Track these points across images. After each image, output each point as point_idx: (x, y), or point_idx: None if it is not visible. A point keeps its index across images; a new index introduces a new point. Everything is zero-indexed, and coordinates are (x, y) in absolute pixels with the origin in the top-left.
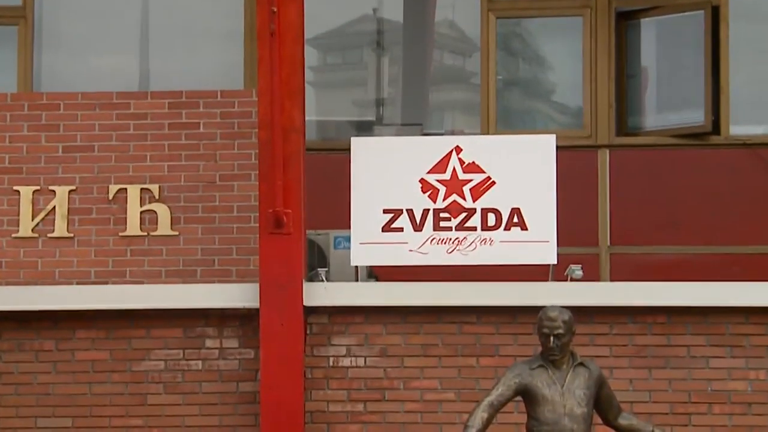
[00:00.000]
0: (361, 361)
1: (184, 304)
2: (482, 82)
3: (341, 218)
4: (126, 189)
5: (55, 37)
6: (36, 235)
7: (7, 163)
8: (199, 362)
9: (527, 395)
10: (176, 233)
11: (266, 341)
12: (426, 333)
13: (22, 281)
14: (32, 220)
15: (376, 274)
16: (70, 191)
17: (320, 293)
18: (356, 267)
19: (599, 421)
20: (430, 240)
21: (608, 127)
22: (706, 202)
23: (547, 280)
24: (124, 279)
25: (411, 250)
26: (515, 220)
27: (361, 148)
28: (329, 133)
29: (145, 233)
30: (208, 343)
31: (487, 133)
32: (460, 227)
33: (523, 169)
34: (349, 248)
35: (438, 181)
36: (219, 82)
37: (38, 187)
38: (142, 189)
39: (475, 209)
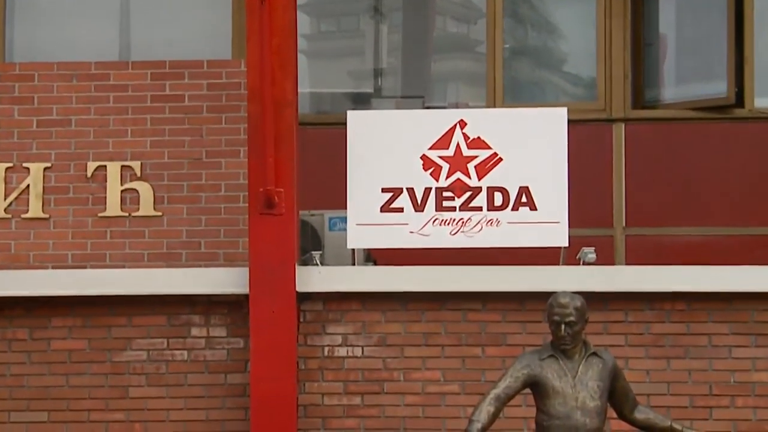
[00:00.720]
0: (358, 351)
1: (168, 290)
2: (488, 51)
3: (337, 198)
4: (105, 166)
5: (29, 4)
6: (8, 215)
7: None
8: (185, 352)
9: (536, 387)
10: (159, 214)
11: (256, 330)
12: (428, 321)
13: None
14: (4, 199)
15: (375, 257)
16: (46, 168)
17: (314, 278)
18: (353, 250)
19: (614, 414)
20: (432, 221)
21: (624, 99)
22: (730, 180)
23: (557, 264)
24: (104, 263)
25: (412, 232)
26: (524, 199)
27: (357, 122)
28: (324, 107)
29: (126, 214)
30: (194, 331)
31: (494, 106)
32: (465, 207)
33: (532, 145)
34: (345, 230)
35: (441, 157)
36: (205, 51)
37: (11, 164)
38: (122, 166)
39: (480, 188)
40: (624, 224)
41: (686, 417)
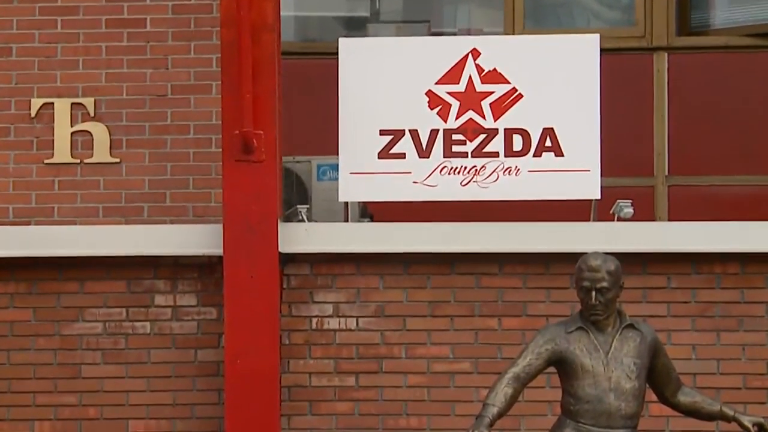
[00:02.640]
0: (351, 323)
1: (127, 251)
2: None
3: (327, 142)
4: (52, 104)
5: None
6: None
7: None
8: (147, 324)
9: (562, 365)
10: (117, 160)
11: (232, 297)
12: (434, 287)
13: None
14: None
15: (371, 212)
16: None
17: (300, 236)
18: (346, 203)
19: (653, 397)
20: (439, 169)
21: (666, 24)
22: None
23: (588, 220)
24: (51, 218)
25: (415, 182)
26: (548, 143)
27: (351, 51)
28: (311, 33)
29: (78, 160)
30: (159, 299)
31: (513, 33)
32: (478, 153)
33: (558, 79)
34: (336, 179)
35: (450, 93)
36: None
37: None
38: (73, 104)
39: (496, 130)
40: (666, 173)
41: (739, 400)
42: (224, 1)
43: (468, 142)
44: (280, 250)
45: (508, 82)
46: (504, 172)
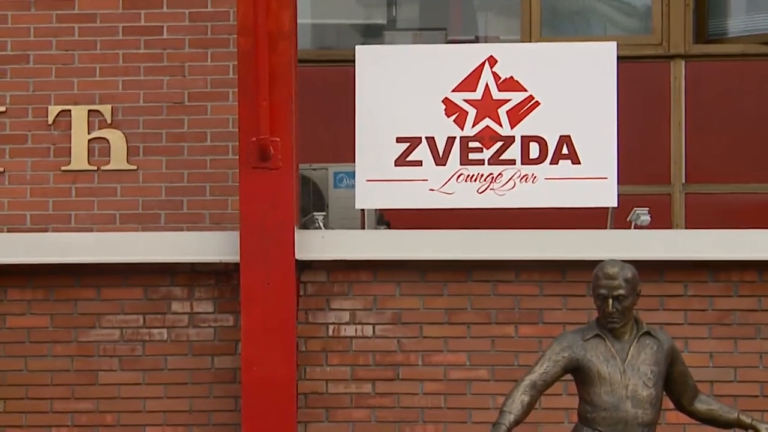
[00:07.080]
0: (368, 330)
1: (144, 258)
2: None
3: (343, 149)
4: (70, 111)
5: None
6: None
7: None
8: (164, 331)
9: (579, 373)
10: (134, 167)
11: (248, 305)
12: (451, 294)
13: None
14: None
15: (388, 219)
16: (0, 114)
17: (317, 244)
18: (362, 211)
19: (670, 405)
20: (456, 176)
21: (684, 31)
22: None
23: (605, 228)
24: (68, 225)
25: (432, 190)
26: (565, 151)
27: (368, 58)
28: (328, 41)
29: (95, 167)
30: (175, 306)
31: (529, 41)
32: (495, 160)
33: (574, 87)
34: (353, 187)
35: (466, 101)
36: None
37: None
38: (90, 111)
39: (513, 137)
40: (683, 180)
41: (756, 408)
42: (241, 9)
43: (485, 149)
44: (297, 257)
45: (525, 90)
46: (521, 179)
